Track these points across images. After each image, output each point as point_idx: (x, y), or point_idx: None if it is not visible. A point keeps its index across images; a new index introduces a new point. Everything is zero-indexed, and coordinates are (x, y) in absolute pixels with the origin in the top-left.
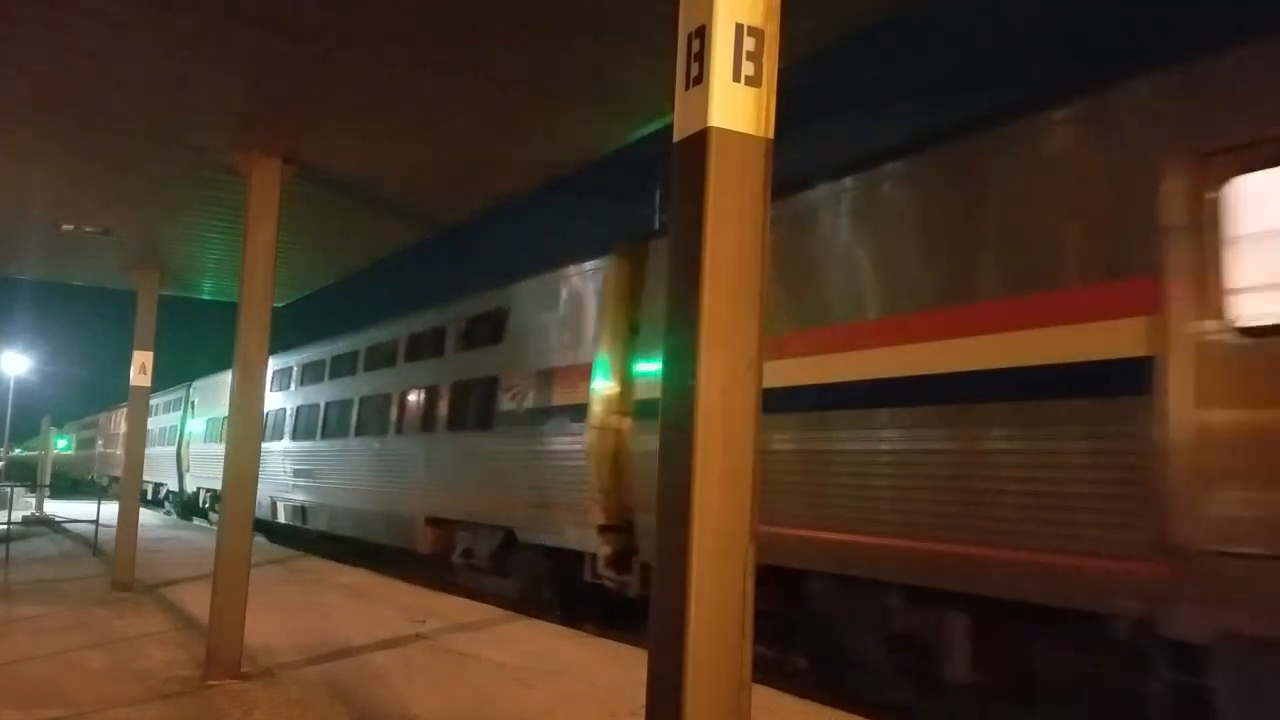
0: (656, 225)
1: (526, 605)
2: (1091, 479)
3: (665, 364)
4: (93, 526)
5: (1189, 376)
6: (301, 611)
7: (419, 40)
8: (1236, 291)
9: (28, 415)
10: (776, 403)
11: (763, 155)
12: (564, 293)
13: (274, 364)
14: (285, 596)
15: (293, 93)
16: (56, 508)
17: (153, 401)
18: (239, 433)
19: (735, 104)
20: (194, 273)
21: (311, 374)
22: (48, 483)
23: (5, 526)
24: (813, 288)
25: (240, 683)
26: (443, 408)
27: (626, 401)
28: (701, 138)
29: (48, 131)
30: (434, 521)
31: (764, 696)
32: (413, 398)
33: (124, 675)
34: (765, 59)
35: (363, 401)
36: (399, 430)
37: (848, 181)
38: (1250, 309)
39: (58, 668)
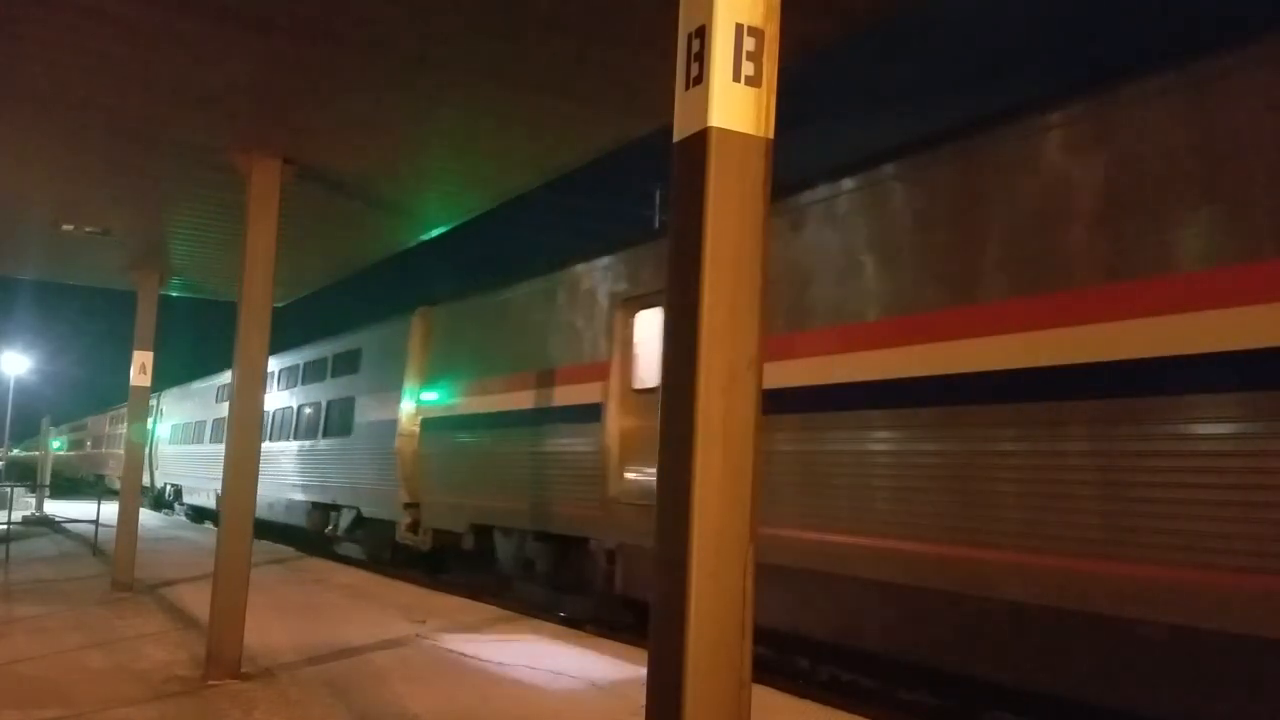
0: (656, 224)
1: (527, 606)
2: (574, 468)
3: (665, 363)
4: (92, 526)
5: (617, 410)
6: (302, 612)
7: (419, 40)
8: (634, 369)
9: (27, 415)
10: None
11: (762, 155)
12: (390, 337)
13: (216, 381)
14: (285, 597)
15: (293, 93)
16: (56, 508)
17: (123, 410)
18: (239, 433)
19: (735, 104)
20: (194, 273)
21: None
22: (48, 482)
23: (5, 526)
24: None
25: (240, 683)
26: (322, 419)
27: (418, 418)
28: (701, 138)
29: (48, 131)
30: (317, 505)
31: (764, 696)
32: (306, 411)
33: (124, 675)
34: (765, 59)
35: (273, 414)
36: (295, 436)
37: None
38: (638, 379)
39: (57, 668)
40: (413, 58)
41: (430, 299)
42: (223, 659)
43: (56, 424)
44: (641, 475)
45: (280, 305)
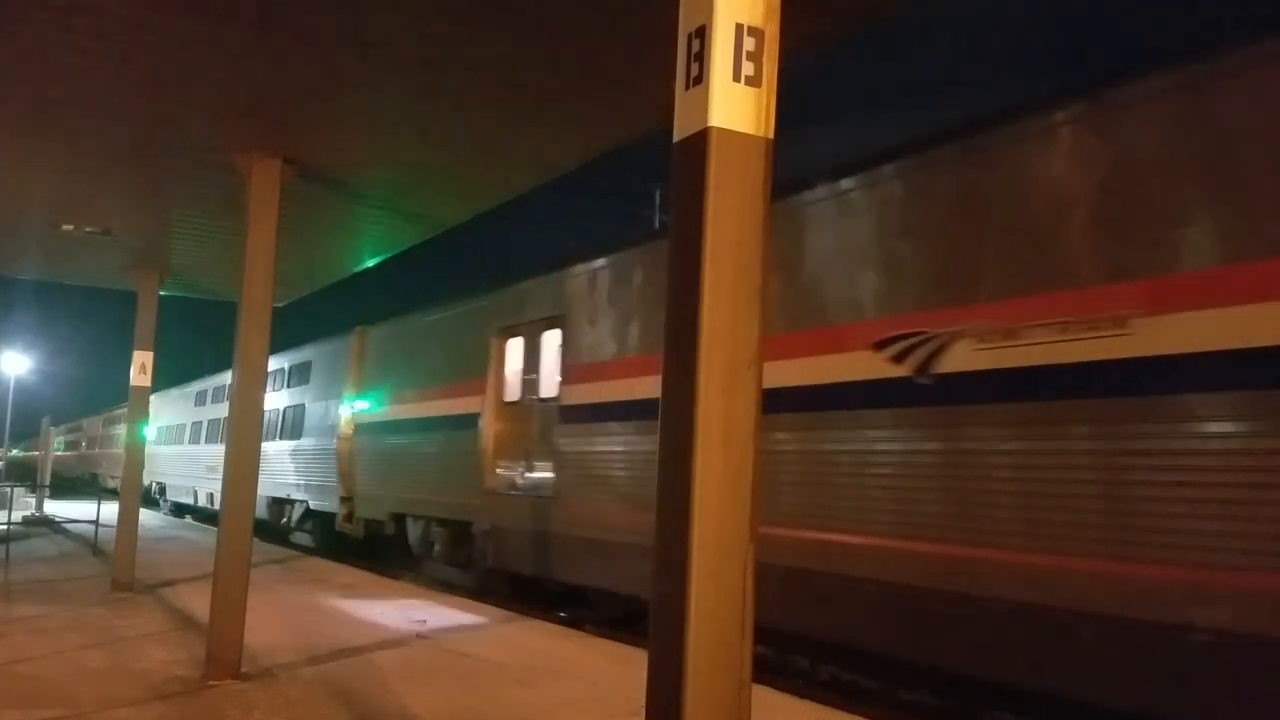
0: (656, 224)
1: (528, 605)
2: (460, 466)
3: (665, 363)
4: (92, 526)
5: (492, 418)
6: (301, 612)
7: (419, 40)
8: (504, 386)
9: (27, 415)
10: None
11: (763, 155)
12: (334, 352)
13: (195, 388)
14: (285, 597)
15: (293, 93)
16: (56, 508)
17: (116, 412)
18: (239, 433)
19: (735, 104)
20: (194, 273)
21: (212, 396)
22: (48, 483)
23: (5, 527)
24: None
25: (240, 683)
26: (279, 423)
27: (353, 423)
28: (701, 137)
29: (48, 132)
30: (274, 500)
31: (764, 696)
32: (266, 415)
33: (124, 675)
34: (765, 59)
35: None
36: (269, 435)
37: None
38: (508, 394)
39: (57, 668)
40: (412, 59)
41: (369, 320)
42: (223, 659)
43: (56, 424)
44: (509, 471)
45: (280, 305)
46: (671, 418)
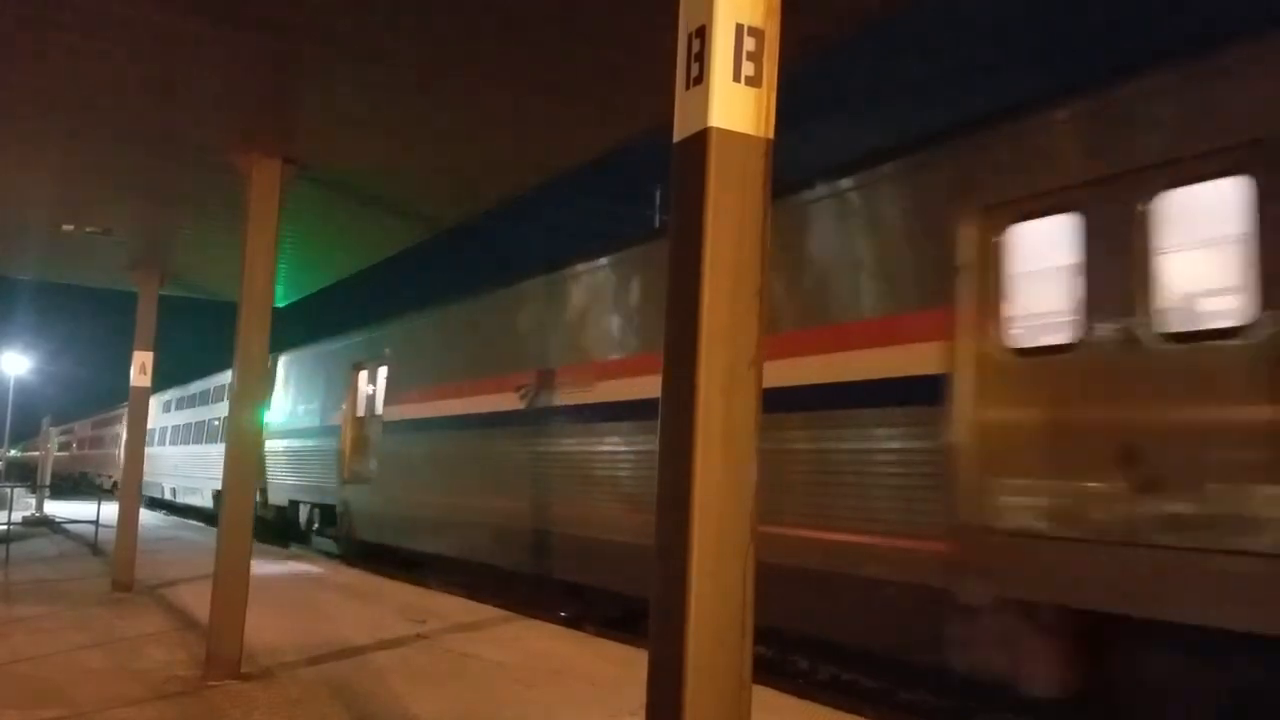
0: (656, 224)
1: (528, 605)
2: (328, 462)
3: (665, 364)
4: (92, 527)
5: (349, 428)
6: (302, 612)
7: (419, 41)
8: (357, 404)
9: (28, 415)
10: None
11: (763, 155)
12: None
13: (164, 397)
14: (285, 596)
15: (293, 94)
16: (56, 508)
17: (110, 414)
18: (239, 433)
19: (735, 104)
20: (194, 273)
21: (177, 405)
22: (48, 483)
23: (5, 527)
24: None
25: (240, 683)
26: (219, 429)
27: (266, 428)
28: (701, 138)
29: (49, 132)
30: (216, 492)
31: (764, 696)
32: (214, 423)
33: (124, 675)
34: (765, 59)
35: (192, 425)
36: (203, 441)
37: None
38: (359, 411)
39: (57, 668)
40: (412, 59)
41: (280, 347)
42: (223, 659)
43: (57, 424)
44: (359, 465)
45: (281, 306)
46: (671, 417)
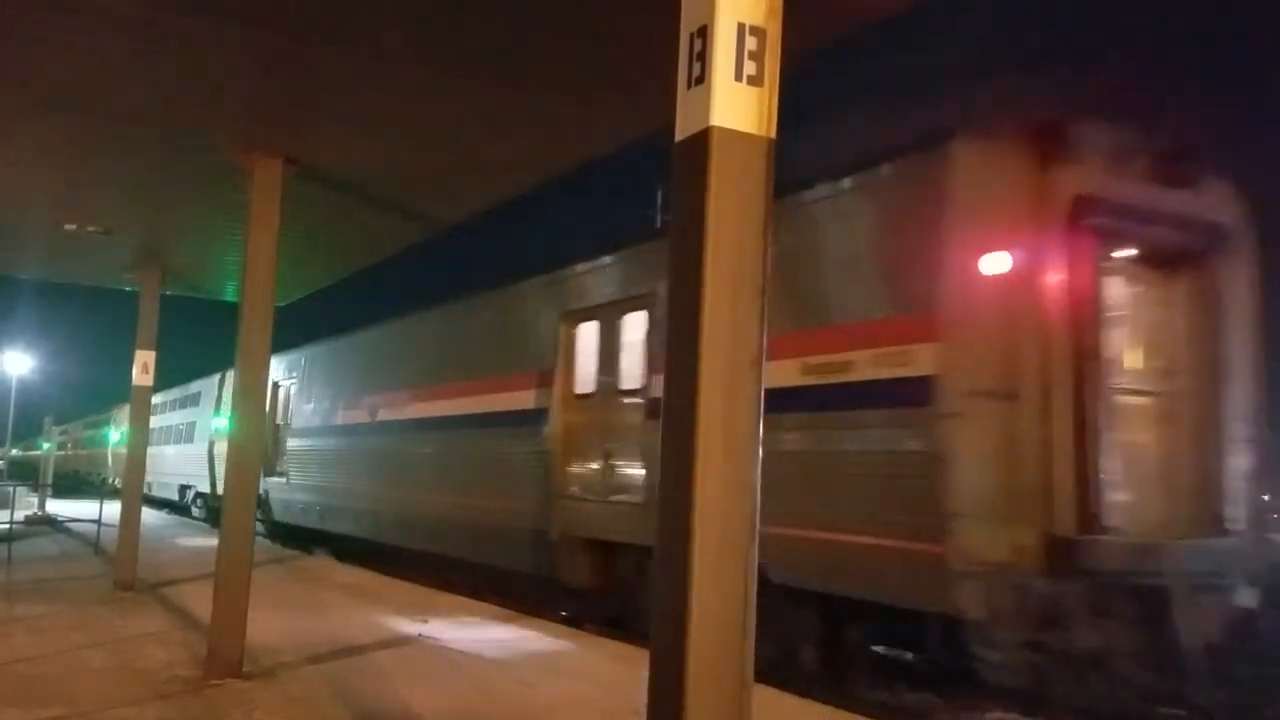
0: (658, 224)
1: (529, 605)
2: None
3: (667, 364)
4: (94, 526)
5: (271, 431)
6: (303, 611)
7: (422, 40)
8: (278, 414)
9: (29, 415)
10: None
11: (764, 155)
12: (210, 386)
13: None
14: (287, 596)
15: (295, 92)
16: (58, 507)
17: (99, 417)
18: (241, 433)
19: (737, 103)
20: (196, 272)
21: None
22: (49, 482)
23: (8, 526)
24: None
25: (242, 682)
26: (188, 431)
27: (215, 432)
28: (703, 137)
29: (50, 132)
30: (182, 485)
31: (765, 695)
32: (180, 426)
33: (125, 674)
34: (767, 58)
35: (169, 426)
36: (176, 441)
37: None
38: (277, 419)
39: (59, 667)
40: (414, 58)
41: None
42: (224, 658)
43: (59, 424)
44: (276, 461)
45: (282, 305)
46: (673, 418)
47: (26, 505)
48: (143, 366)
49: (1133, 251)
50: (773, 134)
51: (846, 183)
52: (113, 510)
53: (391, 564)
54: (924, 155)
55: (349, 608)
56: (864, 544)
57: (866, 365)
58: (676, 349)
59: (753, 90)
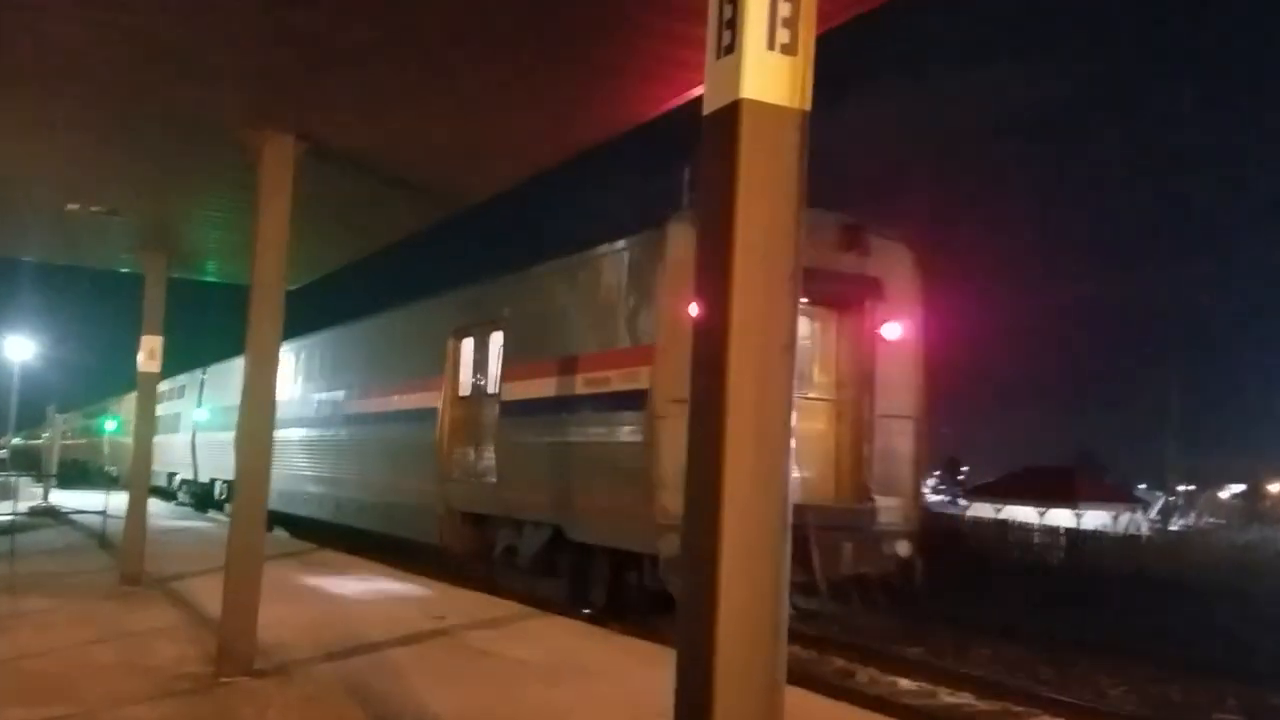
0: (685, 203)
1: (550, 602)
2: (219, 448)
3: (694, 351)
4: (100, 517)
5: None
6: (317, 606)
7: (436, 13)
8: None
9: (33, 402)
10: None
11: (797, 129)
12: (192, 382)
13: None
14: (300, 591)
15: (306, 67)
16: (62, 498)
17: (94, 407)
18: (251, 422)
19: (769, 74)
20: (203, 254)
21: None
22: (54, 472)
23: (10, 518)
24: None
25: (253, 680)
26: (172, 422)
27: (195, 424)
28: (733, 110)
29: (53, 108)
30: (168, 473)
31: (796, 698)
32: (169, 418)
33: (133, 671)
34: (802, 26)
35: (157, 419)
36: (167, 431)
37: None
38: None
39: (65, 664)
40: (430, 29)
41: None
42: (235, 655)
43: (63, 411)
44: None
45: (293, 289)
46: (701, 407)
47: (31, 496)
48: (149, 352)
49: (808, 301)
50: (807, 106)
51: (608, 248)
52: (119, 501)
53: (409, 559)
54: (650, 232)
55: (364, 603)
56: (615, 507)
57: (618, 380)
58: (704, 335)
59: (786, 60)
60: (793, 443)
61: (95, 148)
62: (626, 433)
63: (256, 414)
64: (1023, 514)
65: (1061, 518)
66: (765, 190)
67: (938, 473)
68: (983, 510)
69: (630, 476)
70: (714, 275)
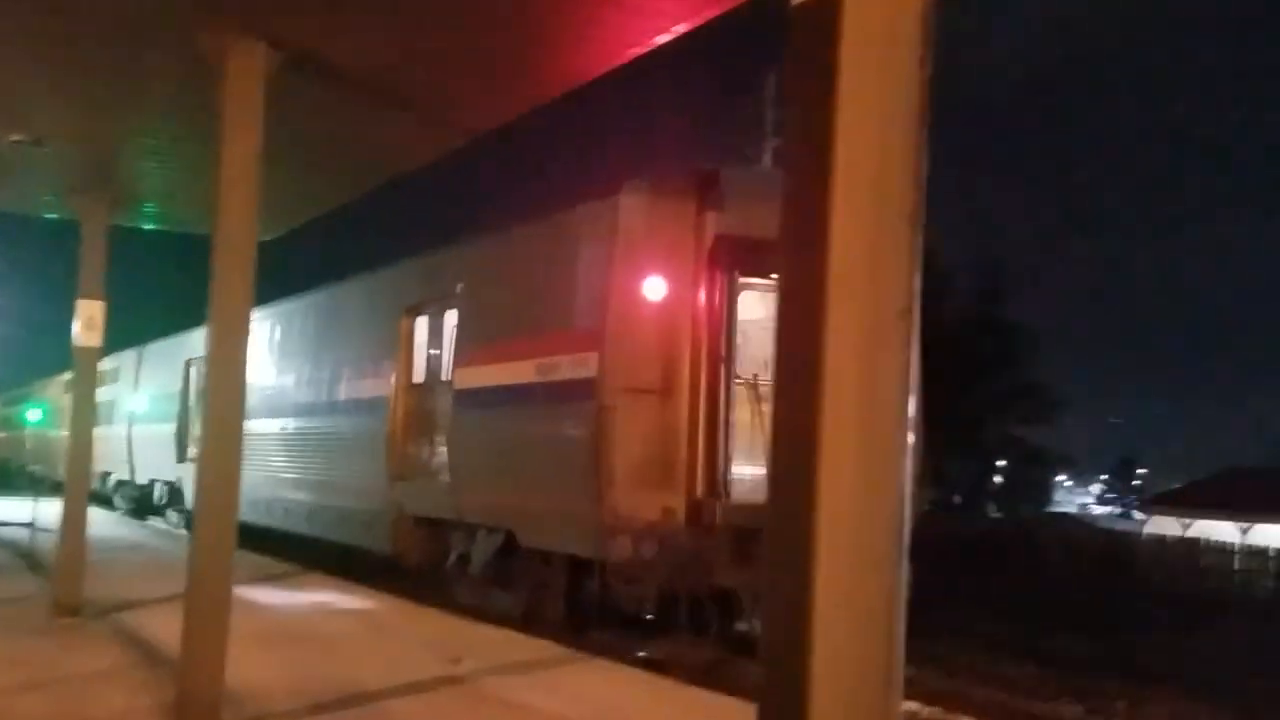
0: (768, 125)
1: (593, 643)
2: (160, 442)
3: (778, 321)
4: (26, 531)
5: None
6: (300, 645)
7: None
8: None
9: None
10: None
11: (919, 19)
12: (125, 364)
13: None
14: (279, 624)
15: None
16: None
17: (14, 394)
18: (217, 411)
19: None
20: (154, 197)
21: (66, 389)
22: None
23: None
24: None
25: None
26: (102, 412)
27: (132, 419)
28: None
29: None
30: (104, 473)
31: None
32: (100, 405)
33: None
34: None
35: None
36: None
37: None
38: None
39: None
40: None
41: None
42: (197, 705)
43: None
44: (190, 449)
45: (267, 239)
46: (788, 390)
47: None
48: (87, 321)
49: (758, 279)
50: None
51: (562, 215)
52: (49, 510)
53: (416, 586)
54: (602, 201)
55: (360, 641)
56: (563, 508)
57: (567, 367)
58: (791, 299)
59: None
60: (910, 438)
61: (14, 63)
62: (574, 425)
63: (223, 400)
64: (1219, 530)
65: (1273, 535)
66: (875, 102)
67: (1104, 477)
68: (1166, 525)
69: (578, 473)
70: (804, 217)
